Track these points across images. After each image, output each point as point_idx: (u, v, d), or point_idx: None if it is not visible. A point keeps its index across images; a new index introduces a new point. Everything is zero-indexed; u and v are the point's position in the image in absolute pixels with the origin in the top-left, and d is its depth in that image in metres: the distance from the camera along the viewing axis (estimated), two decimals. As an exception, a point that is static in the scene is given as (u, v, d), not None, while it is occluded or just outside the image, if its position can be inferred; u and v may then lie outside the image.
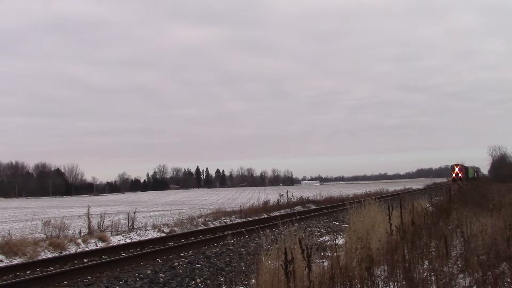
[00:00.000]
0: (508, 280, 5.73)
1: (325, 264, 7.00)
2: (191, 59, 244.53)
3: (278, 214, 22.67)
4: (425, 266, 6.46)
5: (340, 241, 11.95)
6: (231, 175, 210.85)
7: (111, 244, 13.99)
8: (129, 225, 18.03)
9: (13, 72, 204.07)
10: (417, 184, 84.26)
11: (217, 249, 12.14)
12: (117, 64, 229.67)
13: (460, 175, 79.36)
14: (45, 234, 14.87)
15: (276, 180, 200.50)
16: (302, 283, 5.56)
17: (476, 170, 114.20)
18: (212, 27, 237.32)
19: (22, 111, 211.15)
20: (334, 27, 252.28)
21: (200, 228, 18.47)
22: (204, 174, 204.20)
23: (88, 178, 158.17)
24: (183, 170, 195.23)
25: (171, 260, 10.77)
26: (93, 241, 14.29)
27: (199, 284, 9.03)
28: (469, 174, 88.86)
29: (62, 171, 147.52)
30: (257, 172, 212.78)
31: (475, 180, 75.94)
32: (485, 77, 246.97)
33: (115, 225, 17.45)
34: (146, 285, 8.59)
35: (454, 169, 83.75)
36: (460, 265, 6.80)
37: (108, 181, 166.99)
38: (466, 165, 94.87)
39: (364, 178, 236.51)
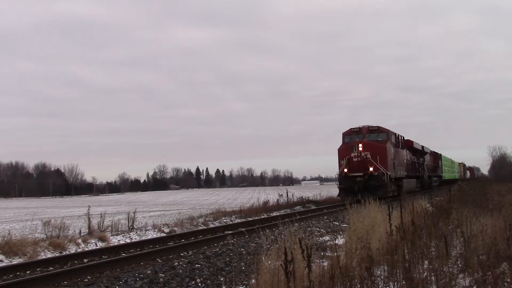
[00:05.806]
0: (508, 280, 5.73)
1: (325, 264, 6.99)
2: (191, 60, 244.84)
3: (278, 214, 22.66)
4: (425, 266, 6.46)
5: (340, 241, 11.94)
6: (231, 175, 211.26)
7: (111, 244, 13.98)
8: (129, 225, 18.02)
9: (13, 72, 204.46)
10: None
11: (217, 249, 12.13)
12: (118, 64, 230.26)
13: (371, 169, 25.33)
14: (45, 234, 14.86)
15: (276, 180, 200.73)
16: (302, 283, 5.56)
17: (472, 168, 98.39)
18: (213, 28, 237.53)
19: (22, 111, 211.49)
20: (334, 27, 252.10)
21: (200, 228, 18.46)
22: (204, 174, 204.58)
23: (88, 178, 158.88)
24: (183, 170, 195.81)
25: (171, 260, 10.76)
26: (93, 241, 14.28)
27: (199, 284, 9.03)
28: (443, 172, 49.27)
29: (62, 171, 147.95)
30: (257, 172, 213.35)
31: (470, 181, 55.93)
32: (485, 77, 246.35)
33: (115, 225, 17.43)
34: (146, 285, 8.59)
35: (347, 151, 26.36)
36: (460, 265, 6.81)
37: (108, 181, 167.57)
38: (467, 165, 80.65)
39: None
